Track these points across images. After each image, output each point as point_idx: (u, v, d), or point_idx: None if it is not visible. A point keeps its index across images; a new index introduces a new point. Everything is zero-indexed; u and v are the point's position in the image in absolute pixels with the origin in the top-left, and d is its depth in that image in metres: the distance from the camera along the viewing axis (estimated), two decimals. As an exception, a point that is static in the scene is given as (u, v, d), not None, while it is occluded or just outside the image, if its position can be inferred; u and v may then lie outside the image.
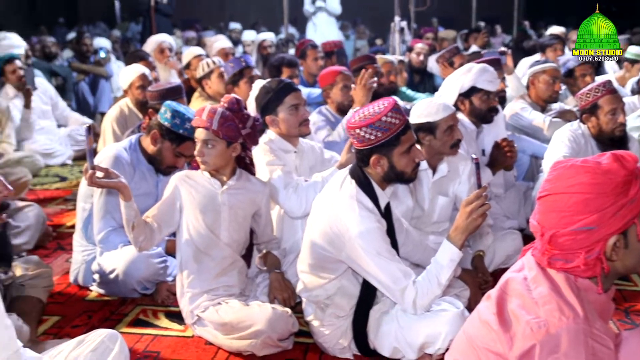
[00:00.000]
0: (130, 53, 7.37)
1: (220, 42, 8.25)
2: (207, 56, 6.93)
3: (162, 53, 7.24)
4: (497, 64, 5.23)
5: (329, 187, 3.18)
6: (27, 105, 6.98)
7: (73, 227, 4.71)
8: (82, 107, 8.43)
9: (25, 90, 7.01)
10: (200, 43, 10.64)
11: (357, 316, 3.13)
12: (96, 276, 3.83)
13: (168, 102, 3.87)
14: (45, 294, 3.44)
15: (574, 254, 1.79)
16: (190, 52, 7.27)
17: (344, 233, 2.97)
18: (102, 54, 8.91)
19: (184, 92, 4.86)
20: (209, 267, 3.36)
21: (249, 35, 10.82)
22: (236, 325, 3.19)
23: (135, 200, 3.24)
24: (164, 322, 3.60)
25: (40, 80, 7.48)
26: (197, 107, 3.59)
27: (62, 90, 8.09)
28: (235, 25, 15.09)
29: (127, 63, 6.25)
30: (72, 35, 12.44)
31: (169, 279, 3.81)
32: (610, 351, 1.75)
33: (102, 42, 9.62)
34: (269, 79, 4.13)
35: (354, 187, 3.03)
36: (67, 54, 10.03)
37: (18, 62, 6.99)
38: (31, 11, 25.06)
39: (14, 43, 8.08)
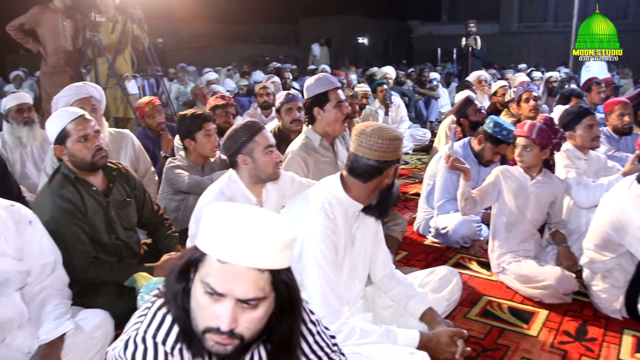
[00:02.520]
0: (461, 83, 7.26)
1: (520, 77, 7.81)
2: (510, 87, 6.56)
3: (480, 83, 7.04)
4: None
5: (617, 188, 2.80)
6: (386, 113, 7.23)
7: (414, 195, 4.81)
8: (418, 116, 8.53)
9: (385, 103, 7.29)
10: (502, 77, 10.16)
11: (631, 288, 2.75)
12: (432, 229, 3.85)
13: (492, 116, 3.76)
14: (401, 235, 3.51)
15: None
16: (497, 84, 6.94)
17: (630, 224, 2.61)
18: (434, 83, 8.94)
19: (462, 110, 4.66)
20: (515, 235, 3.18)
21: (537, 74, 10.14)
22: (532, 278, 2.99)
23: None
24: (475, 267, 3.50)
25: (395, 98, 7.70)
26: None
27: (407, 105, 8.24)
28: (522, 66, 14.38)
29: (458, 90, 6.18)
30: (410, 70, 12.61)
31: (482, 238, 3.69)
32: None
33: (434, 75, 9.63)
34: (570, 104, 3.79)
35: (640, 190, 2.65)
36: (409, 82, 10.18)
37: (385, 86, 7.27)
38: (385, 55, 26.25)
39: (389, 72, 8.51)
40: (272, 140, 2.54)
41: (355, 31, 27.53)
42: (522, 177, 3.16)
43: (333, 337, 1.54)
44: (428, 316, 2.25)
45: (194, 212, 2.57)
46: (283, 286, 1.20)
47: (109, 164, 2.72)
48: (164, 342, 1.21)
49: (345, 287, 2.20)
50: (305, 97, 3.25)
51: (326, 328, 1.52)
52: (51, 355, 2.01)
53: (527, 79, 7.77)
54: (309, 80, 3.27)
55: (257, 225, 1.15)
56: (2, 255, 2.04)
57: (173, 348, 1.21)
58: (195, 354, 1.23)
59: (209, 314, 1.16)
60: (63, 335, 2.08)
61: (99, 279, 2.52)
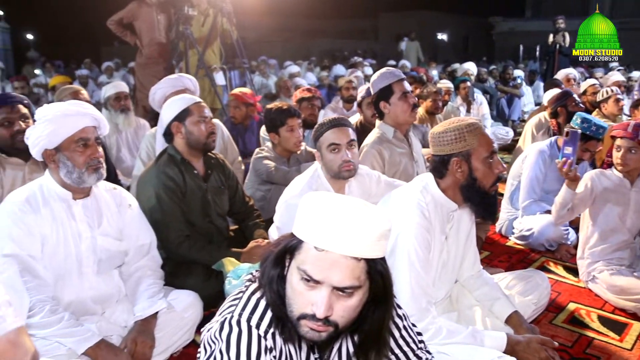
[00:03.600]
0: (548, 81, 6.92)
1: (615, 75, 7.34)
2: (601, 86, 6.16)
3: (569, 82, 6.67)
4: None
5: None
6: (468, 110, 7.03)
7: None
8: (500, 115, 8.23)
9: (467, 100, 7.09)
10: (591, 76, 9.59)
11: None
12: (515, 230, 3.68)
13: (579, 112, 3.55)
14: (484, 235, 3.43)
15: None
16: (587, 82, 6.55)
17: None
18: (518, 81, 8.58)
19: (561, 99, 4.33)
20: (610, 243, 2.96)
21: (637, 73, 9.51)
22: (626, 289, 2.77)
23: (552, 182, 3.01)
24: (561, 272, 3.31)
25: (477, 95, 7.44)
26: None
27: (489, 103, 7.95)
28: (615, 64, 13.55)
29: (546, 88, 5.89)
30: (492, 67, 12.16)
31: (569, 242, 3.50)
32: None
33: (518, 73, 9.24)
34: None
35: None
36: (491, 80, 9.82)
37: (467, 83, 7.06)
38: (465, 52, 25.63)
39: (470, 68, 8.48)
40: (340, 140, 2.52)
41: (434, 27, 27.00)
42: (620, 182, 2.94)
43: (420, 334, 1.50)
44: (514, 320, 2.17)
45: (280, 202, 2.60)
46: (378, 276, 1.19)
47: (208, 153, 2.84)
48: (257, 326, 1.21)
49: (435, 286, 2.16)
50: (372, 92, 3.21)
51: (413, 324, 1.48)
52: (146, 330, 2.10)
53: (622, 78, 7.29)
54: (373, 76, 3.24)
55: (355, 215, 1.14)
56: (105, 235, 2.14)
57: (266, 332, 1.21)
58: (287, 339, 1.24)
59: (305, 300, 1.16)
60: (156, 313, 2.16)
61: (189, 256, 2.61)
